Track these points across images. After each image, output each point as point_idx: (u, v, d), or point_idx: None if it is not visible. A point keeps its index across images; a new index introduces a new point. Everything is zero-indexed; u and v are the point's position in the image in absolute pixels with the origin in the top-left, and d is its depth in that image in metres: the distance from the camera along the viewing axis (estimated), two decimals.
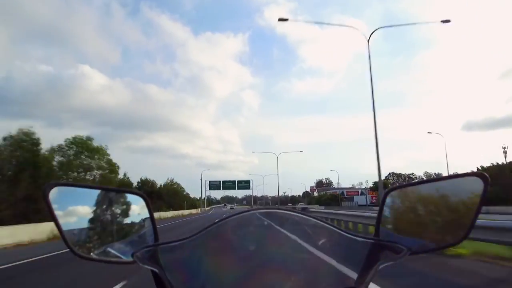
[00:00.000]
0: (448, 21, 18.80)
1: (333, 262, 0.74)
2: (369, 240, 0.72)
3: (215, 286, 0.73)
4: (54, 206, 0.64)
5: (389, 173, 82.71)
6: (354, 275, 0.71)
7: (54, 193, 0.65)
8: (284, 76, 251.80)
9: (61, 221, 0.65)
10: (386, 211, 0.76)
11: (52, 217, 0.64)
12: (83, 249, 0.66)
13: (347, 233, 0.72)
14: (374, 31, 18.67)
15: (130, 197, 0.73)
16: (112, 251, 0.68)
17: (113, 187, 0.73)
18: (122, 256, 0.68)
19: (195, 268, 0.72)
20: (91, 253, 0.67)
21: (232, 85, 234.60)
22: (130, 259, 0.67)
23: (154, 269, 0.67)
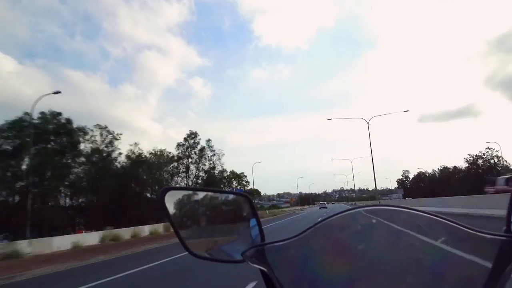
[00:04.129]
0: None
1: (455, 262, 0.66)
2: (500, 237, 0.63)
3: (324, 286, 0.71)
4: (169, 208, 0.69)
5: None
6: (482, 277, 0.63)
7: (168, 197, 0.70)
8: (236, 58, 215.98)
9: (176, 222, 0.70)
10: None
11: (168, 219, 0.69)
12: (196, 249, 0.70)
13: (470, 229, 0.64)
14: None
15: (235, 198, 0.76)
16: (223, 250, 0.71)
17: (219, 189, 0.77)
18: (232, 256, 0.70)
19: (302, 267, 0.71)
20: (204, 253, 0.70)
21: (178, 69, 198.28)
22: (240, 258, 0.69)
23: (263, 268, 0.68)
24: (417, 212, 0.67)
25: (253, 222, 0.74)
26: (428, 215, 0.66)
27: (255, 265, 0.68)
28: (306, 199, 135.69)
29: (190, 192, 0.75)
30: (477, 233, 0.63)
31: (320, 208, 65.40)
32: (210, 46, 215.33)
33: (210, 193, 0.75)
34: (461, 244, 0.66)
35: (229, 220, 0.74)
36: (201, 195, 0.75)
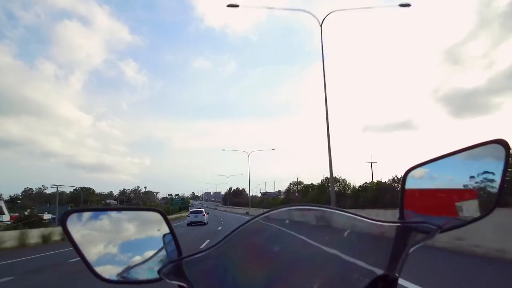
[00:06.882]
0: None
1: (361, 250, 0.72)
2: (395, 224, 0.70)
3: None
4: (73, 232, 0.64)
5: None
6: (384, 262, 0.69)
7: (72, 220, 0.65)
8: (175, 40, 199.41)
9: (81, 247, 0.64)
10: (408, 192, 0.74)
11: (72, 245, 0.63)
12: (107, 273, 0.66)
13: (369, 219, 0.70)
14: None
15: (147, 214, 0.73)
16: (137, 271, 0.67)
17: (129, 207, 0.73)
18: (147, 275, 0.67)
19: (222, 277, 0.71)
20: (116, 276, 0.66)
21: (105, 47, 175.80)
22: (156, 276, 0.66)
23: (182, 284, 0.66)
24: (324, 209, 0.72)
25: (168, 237, 0.71)
26: (333, 210, 0.71)
27: (173, 282, 0.66)
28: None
29: (97, 213, 0.70)
30: (377, 222, 0.70)
31: (188, 224, 30.45)
32: (142, 20, 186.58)
33: (120, 212, 0.71)
34: (365, 233, 0.71)
35: (142, 238, 0.70)
36: (110, 214, 0.70)
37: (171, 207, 72.96)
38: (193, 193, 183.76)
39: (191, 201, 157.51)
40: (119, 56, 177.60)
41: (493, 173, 0.70)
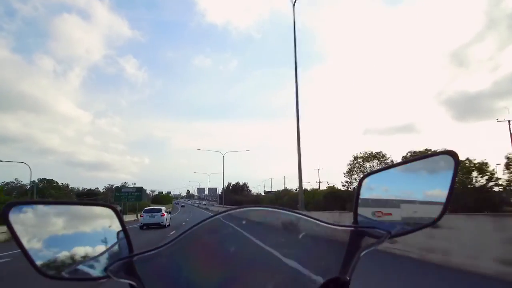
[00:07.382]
0: None
1: (316, 251, 0.73)
2: (348, 228, 0.71)
3: None
4: (16, 226, 0.61)
5: None
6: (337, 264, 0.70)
7: (15, 213, 0.61)
8: (176, 36, 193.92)
9: (25, 241, 0.61)
10: (363, 198, 0.76)
11: (14, 238, 0.60)
12: (52, 270, 0.63)
13: (325, 223, 0.71)
14: None
15: (98, 209, 0.70)
16: (84, 268, 0.64)
17: (78, 201, 0.70)
18: (95, 272, 0.64)
19: (175, 275, 0.69)
20: (62, 273, 0.63)
21: (105, 42, 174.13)
22: (104, 274, 0.64)
23: (131, 282, 0.64)
24: (281, 211, 0.72)
25: (120, 234, 0.69)
26: (290, 213, 0.72)
27: (122, 280, 0.64)
28: None
29: (44, 206, 0.67)
30: (331, 226, 0.71)
31: (141, 227, 24.24)
32: (143, 14, 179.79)
33: (70, 206, 0.68)
34: (320, 236, 0.73)
35: (92, 234, 0.68)
36: (58, 208, 0.67)
37: (117, 201, 43.49)
38: (188, 191, 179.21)
39: (181, 200, 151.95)
40: (119, 52, 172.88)
41: (442, 183, 0.74)
